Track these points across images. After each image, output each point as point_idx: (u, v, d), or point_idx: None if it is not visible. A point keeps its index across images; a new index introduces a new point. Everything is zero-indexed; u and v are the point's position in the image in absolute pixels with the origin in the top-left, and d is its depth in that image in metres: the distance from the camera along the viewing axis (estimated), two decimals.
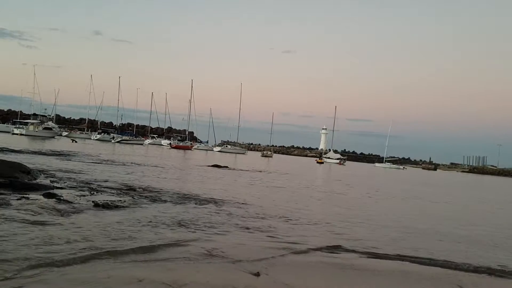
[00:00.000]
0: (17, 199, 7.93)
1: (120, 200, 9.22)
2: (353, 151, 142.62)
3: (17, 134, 63.74)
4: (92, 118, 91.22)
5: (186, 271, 4.78)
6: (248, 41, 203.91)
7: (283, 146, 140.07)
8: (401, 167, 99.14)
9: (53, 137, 64.22)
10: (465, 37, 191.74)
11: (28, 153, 23.23)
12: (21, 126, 70.46)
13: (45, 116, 72.86)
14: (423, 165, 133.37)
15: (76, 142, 57.69)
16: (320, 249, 6.58)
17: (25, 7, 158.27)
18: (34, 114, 71.72)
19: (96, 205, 8.14)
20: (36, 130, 65.14)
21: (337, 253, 6.45)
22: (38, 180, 11.41)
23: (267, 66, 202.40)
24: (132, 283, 4.20)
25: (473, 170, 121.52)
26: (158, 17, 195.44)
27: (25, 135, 62.29)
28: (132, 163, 24.14)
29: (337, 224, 9.14)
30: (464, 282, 5.43)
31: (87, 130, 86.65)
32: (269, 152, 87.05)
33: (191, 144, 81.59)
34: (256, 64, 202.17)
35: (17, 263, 4.43)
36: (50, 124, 71.23)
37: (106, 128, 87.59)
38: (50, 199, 8.18)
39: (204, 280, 4.49)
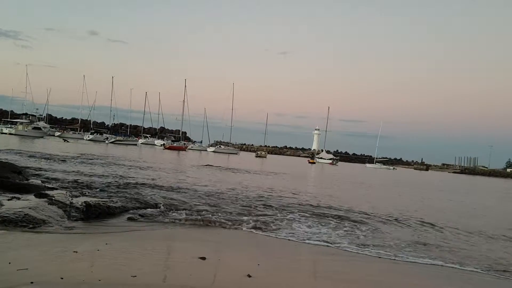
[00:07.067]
0: (8, 200, 7.85)
1: (113, 200, 9.17)
2: (346, 152, 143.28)
3: (6, 133, 63.46)
4: (84, 118, 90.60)
5: None
6: (243, 42, 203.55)
7: (276, 147, 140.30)
8: (391, 167, 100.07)
9: (42, 137, 63.60)
10: (457, 38, 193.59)
11: (20, 153, 23.00)
12: (10, 125, 69.90)
13: (35, 116, 72.25)
14: (415, 165, 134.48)
15: (68, 141, 57.22)
16: None
17: (21, 6, 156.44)
18: (25, 114, 71.14)
19: (88, 205, 8.07)
20: (26, 129, 64.67)
21: None
22: (29, 181, 11.30)
23: (262, 67, 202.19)
24: None
25: (464, 171, 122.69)
26: (153, 17, 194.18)
27: (14, 134, 61.92)
28: (130, 166, 24.02)
29: None
30: None
31: (80, 130, 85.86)
32: (263, 153, 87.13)
33: (184, 144, 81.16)
34: (251, 65, 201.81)
35: None
36: (41, 123, 70.61)
37: (98, 128, 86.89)
38: (41, 200, 8.11)
39: None
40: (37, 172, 13.88)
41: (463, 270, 6.47)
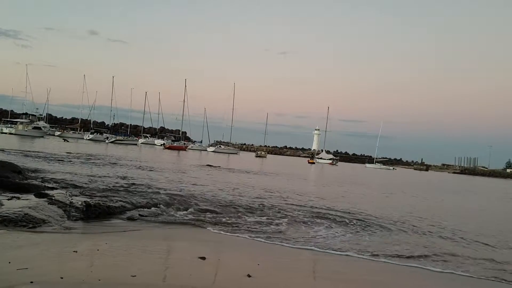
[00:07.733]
0: (8, 199, 7.85)
1: (112, 200, 9.17)
2: (345, 152, 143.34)
3: (6, 133, 63.51)
4: (84, 118, 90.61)
5: None
6: (243, 42, 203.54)
7: (276, 147, 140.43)
8: (391, 168, 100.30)
9: (42, 136, 63.60)
10: (457, 38, 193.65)
11: (19, 153, 23.00)
12: (10, 125, 69.98)
13: (35, 116, 72.30)
14: (414, 166, 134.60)
15: (68, 141, 57.21)
16: None
17: (21, 6, 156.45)
18: (25, 114, 71.24)
19: (88, 205, 8.06)
20: (26, 129, 64.72)
21: None
22: (29, 180, 11.30)
23: (262, 67, 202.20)
24: None
25: (464, 171, 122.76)
26: (153, 17, 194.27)
27: (14, 134, 61.96)
28: (130, 166, 23.99)
29: None
30: None
31: (80, 130, 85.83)
32: (263, 153, 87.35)
33: (184, 144, 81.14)
34: (251, 65, 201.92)
35: None
36: (40, 123, 70.66)
37: (98, 128, 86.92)
38: (41, 200, 8.11)
39: None
40: (37, 172, 13.87)
41: (462, 270, 6.47)
